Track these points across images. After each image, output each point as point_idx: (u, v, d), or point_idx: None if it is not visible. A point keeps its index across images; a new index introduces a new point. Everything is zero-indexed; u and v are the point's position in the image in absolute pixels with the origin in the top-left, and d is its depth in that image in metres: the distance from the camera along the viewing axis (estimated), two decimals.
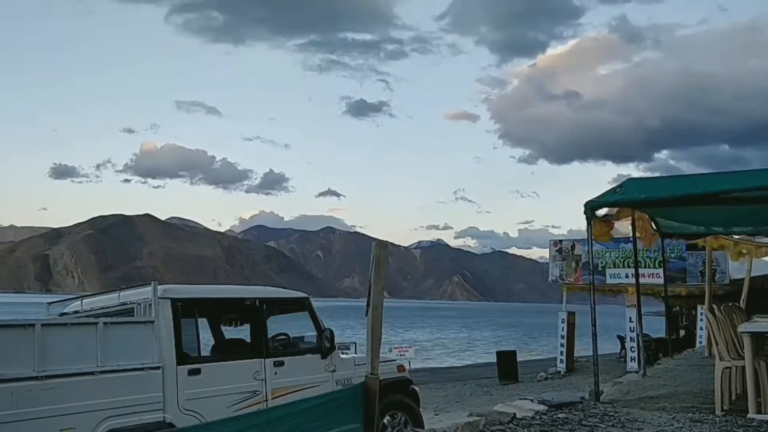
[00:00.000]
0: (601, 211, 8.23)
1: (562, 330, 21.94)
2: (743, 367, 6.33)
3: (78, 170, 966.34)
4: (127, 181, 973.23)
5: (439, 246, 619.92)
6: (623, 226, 9.54)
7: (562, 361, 21.86)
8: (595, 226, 8.27)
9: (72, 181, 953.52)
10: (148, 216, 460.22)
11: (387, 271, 4.20)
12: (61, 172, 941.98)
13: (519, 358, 22.92)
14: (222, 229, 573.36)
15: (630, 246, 17.10)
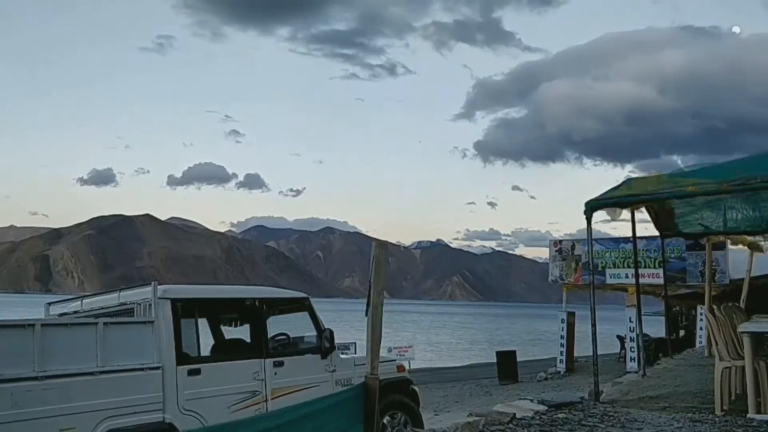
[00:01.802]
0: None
1: (562, 330, 21.95)
2: (743, 367, 6.33)
3: (116, 177, 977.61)
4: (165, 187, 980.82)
5: (439, 246, 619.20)
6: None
7: (561, 361, 21.86)
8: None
9: (110, 186, 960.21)
10: (148, 216, 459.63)
11: (387, 272, 4.20)
12: (99, 179, 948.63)
13: (519, 358, 22.92)
14: (222, 229, 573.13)
15: (630, 246, 17.13)
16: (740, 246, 13.38)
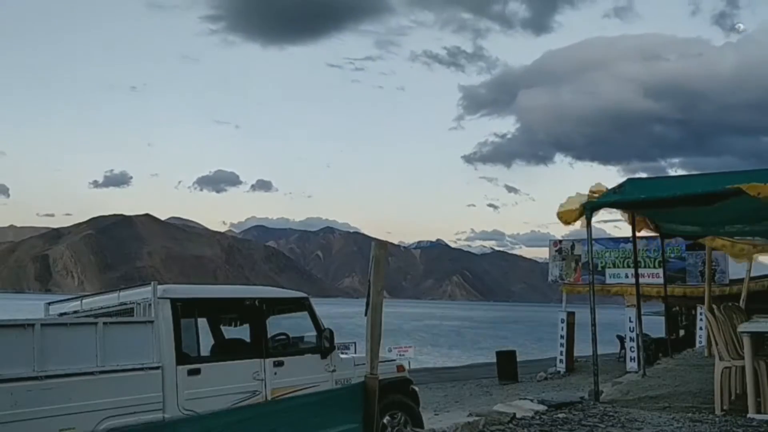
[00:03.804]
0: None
1: (562, 330, 21.94)
2: (743, 367, 6.34)
3: (130, 182, 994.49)
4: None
5: (439, 246, 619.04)
6: None
7: (561, 361, 21.86)
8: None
9: (119, 188, 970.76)
10: (148, 216, 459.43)
11: (387, 272, 4.21)
12: (112, 183, 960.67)
13: (519, 358, 22.92)
14: (222, 229, 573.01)
15: (630, 246, 17.13)
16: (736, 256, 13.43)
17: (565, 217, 7.84)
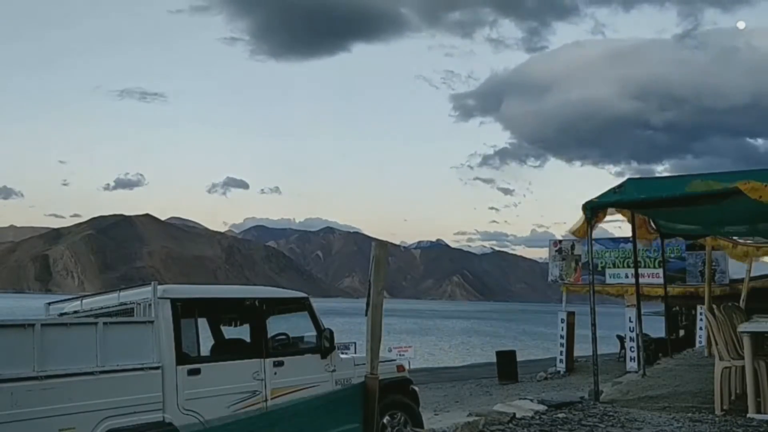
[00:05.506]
0: None
1: (562, 330, 21.93)
2: (743, 367, 6.34)
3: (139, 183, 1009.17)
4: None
5: (439, 246, 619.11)
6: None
7: (561, 361, 21.86)
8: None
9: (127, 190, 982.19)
10: (148, 216, 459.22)
11: (387, 271, 4.21)
12: (123, 184, 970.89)
13: (519, 358, 22.92)
14: (222, 229, 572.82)
15: (630, 246, 17.13)
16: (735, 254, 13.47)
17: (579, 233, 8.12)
